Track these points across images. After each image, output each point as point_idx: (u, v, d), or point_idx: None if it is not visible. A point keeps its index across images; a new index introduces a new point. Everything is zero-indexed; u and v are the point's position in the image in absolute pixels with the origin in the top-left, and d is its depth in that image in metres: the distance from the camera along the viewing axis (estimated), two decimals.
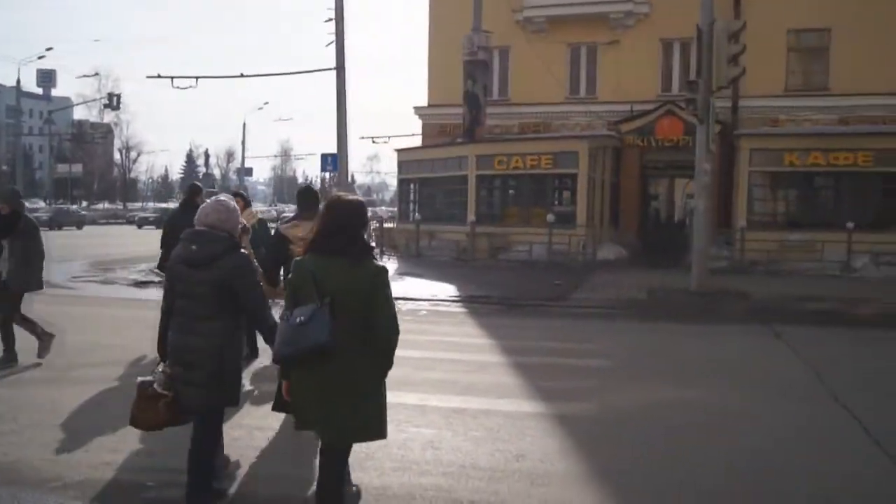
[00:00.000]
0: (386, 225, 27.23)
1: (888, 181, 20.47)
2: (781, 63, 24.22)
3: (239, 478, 5.34)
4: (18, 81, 61.08)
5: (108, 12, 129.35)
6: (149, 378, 4.61)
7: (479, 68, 24.24)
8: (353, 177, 53.66)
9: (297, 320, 3.88)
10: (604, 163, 23.42)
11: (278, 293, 5.84)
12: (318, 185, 49.21)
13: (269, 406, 5.01)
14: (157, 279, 16.30)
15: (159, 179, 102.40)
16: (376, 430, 4.13)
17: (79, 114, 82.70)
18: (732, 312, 13.55)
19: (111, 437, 6.06)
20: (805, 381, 8.45)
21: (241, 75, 30.65)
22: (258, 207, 34.93)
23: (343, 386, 3.96)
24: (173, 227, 8.58)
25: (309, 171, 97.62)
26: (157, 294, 14.48)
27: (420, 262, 21.50)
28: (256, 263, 5.18)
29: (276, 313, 4.62)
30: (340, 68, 23.52)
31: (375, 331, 3.96)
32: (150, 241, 26.34)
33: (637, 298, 14.96)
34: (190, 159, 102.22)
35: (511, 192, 24.43)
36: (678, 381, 8.38)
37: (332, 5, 23.49)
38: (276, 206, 74.61)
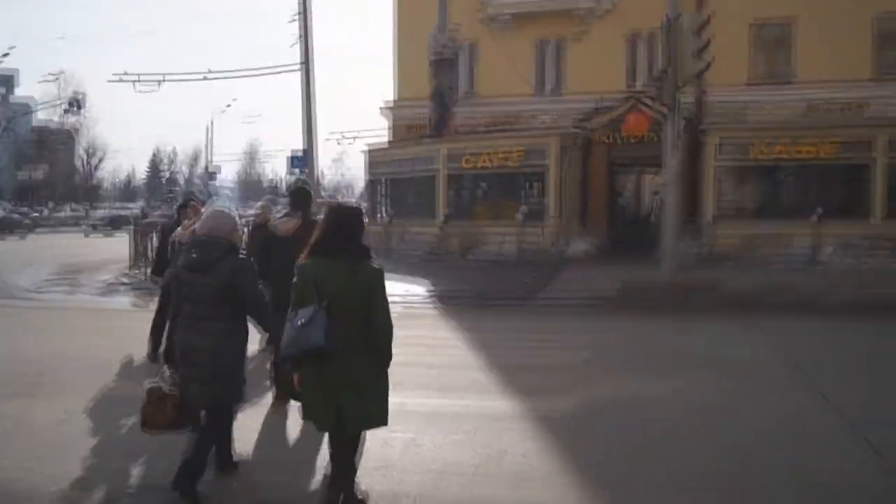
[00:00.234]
0: None
1: (852, 171, 20.70)
2: (745, 55, 24.40)
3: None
4: None
5: (71, 7, 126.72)
6: (156, 381, 4.94)
7: (445, 66, 24.17)
8: (321, 173, 53.17)
9: (299, 322, 4.27)
10: (572, 158, 23.40)
11: None
12: (285, 185, 48.93)
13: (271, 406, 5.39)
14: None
15: (123, 182, 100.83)
16: (378, 418, 4.54)
17: (42, 114, 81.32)
18: (704, 305, 13.62)
19: (82, 449, 5.95)
20: (782, 372, 8.51)
21: (206, 75, 30.32)
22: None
23: (345, 381, 4.36)
24: (167, 236, 8.90)
25: (277, 171, 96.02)
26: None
27: (391, 261, 21.36)
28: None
29: None
30: (306, 65, 23.34)
31: (374, 328, 4.39)
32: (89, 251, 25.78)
33: (609, 293, 14.97)
34: (154, 161, 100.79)
35: (480, 188, 24.36)
36: (655, 375, 8.39)
37: (299, 4, 23.31)
38: (241, 207, 73.26)
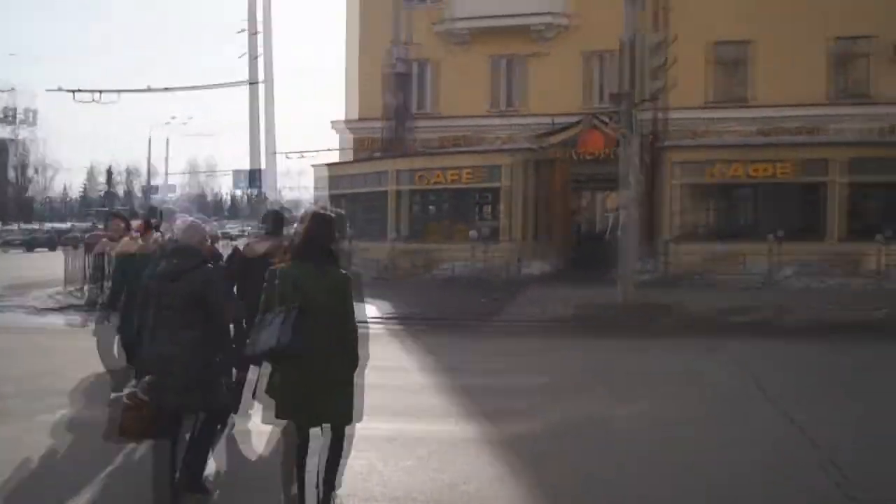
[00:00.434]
0: None
1: (809, 192, 21.17)
2: (702, 75, 24.81)
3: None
4: None
5: (19, 23, 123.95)
6: (131, 388, 5.06)
7: (401, 81, 24.25)
8: (279, 192, 52.59)
9: (269, 323, 4.60)
10: (527, 177, 23.50)
11: None
12: (230, 201, 48.42)
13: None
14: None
15: (62, 198, 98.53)
16: (348, 416, 4.90)
17: None
18: (663, 326, 13.74)
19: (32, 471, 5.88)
20: (745, 394, 8.57)
21: (148, 88, 29.91)
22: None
23: (323, 380, 4.69)
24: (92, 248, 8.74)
25: (224, 188, 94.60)
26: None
27: None
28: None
29: None
30: (262, 81, 23.21)
31: (348, 328, 4.79)
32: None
33: (567, 314, 15.05)
34: (91, 176, 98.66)
35: (434, 207, 24.40)
36: (615, 399, 8.40)
37: (257, 18, 23.16)
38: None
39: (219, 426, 5.54)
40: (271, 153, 21.81)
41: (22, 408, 7.88)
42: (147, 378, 5.01)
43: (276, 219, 7.67)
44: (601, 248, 24.46)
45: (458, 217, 23.02)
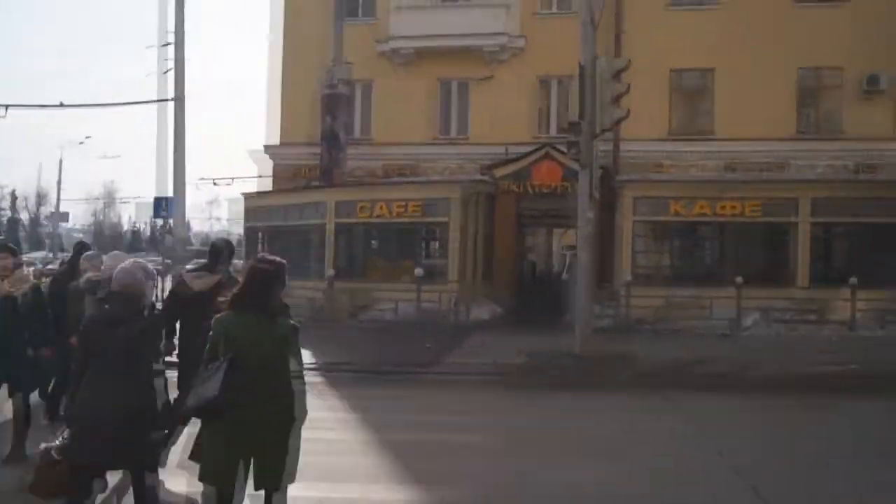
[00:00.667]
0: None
1: (776, 233, 21.51)
2: (664, 105, 25.17)
3: None
4: None
5: None
6: (52, 442, 5.11)
7: (339, 103, 24.15)
8: (188, 224, 51.72)
9: (205, 375, 4.70)
10: (477, 211, 23.47)
11: None
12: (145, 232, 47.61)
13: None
14: None
15: None
16: (290, 476, 4.98)
17: None
18: (620, 379, 13.76)
19: None
20: (704, 459, 8.57)
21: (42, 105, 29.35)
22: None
23: (254, 436, 4.74)
24: (60, 289, 8.74)
25: (136, 216, 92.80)
26: None
27: None
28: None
29: None
30: (179, 100, 22.99)
31: (287, 386, 4.85)
32: None
33: (516, 363, 14.99)
34: None
35: (374, 242, 24.28)
36: (564, 461, 8.38)
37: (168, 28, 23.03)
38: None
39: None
40: (180, 180, 21.43)
41: None
42: (68, 434, 5.07)
43: (226, 250, 7.75)
44: (556, 290, 24.56)
45: (402, 254, 22.94)
